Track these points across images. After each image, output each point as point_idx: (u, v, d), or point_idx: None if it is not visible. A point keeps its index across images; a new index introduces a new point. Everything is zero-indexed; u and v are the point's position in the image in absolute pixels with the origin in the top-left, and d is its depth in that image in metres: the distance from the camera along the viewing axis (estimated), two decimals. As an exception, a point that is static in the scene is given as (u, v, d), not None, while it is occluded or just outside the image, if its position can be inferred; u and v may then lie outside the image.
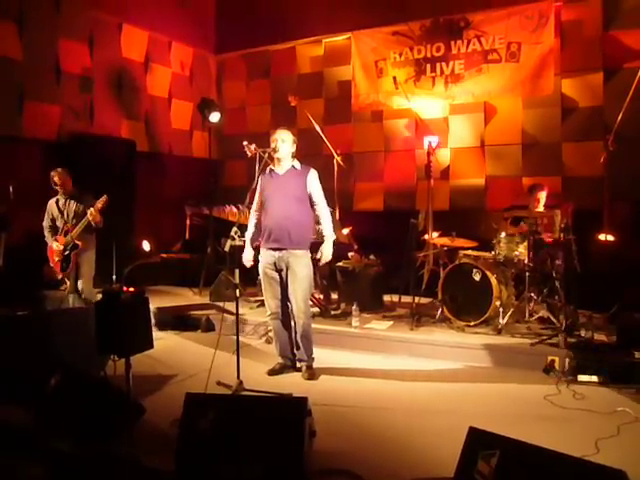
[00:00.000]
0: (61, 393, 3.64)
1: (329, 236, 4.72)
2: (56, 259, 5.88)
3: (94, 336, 3.52)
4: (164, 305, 6.92)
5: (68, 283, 5.92)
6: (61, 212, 5.89)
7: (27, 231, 7.02)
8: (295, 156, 4.74)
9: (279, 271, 4.66)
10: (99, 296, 6.12)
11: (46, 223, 5.96)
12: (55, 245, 5.87)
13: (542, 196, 6.06)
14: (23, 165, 7.12)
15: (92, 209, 5.59)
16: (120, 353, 3.52)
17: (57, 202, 5.94)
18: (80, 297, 5.89)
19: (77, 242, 5.77)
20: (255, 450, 2.91)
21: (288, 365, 4.85)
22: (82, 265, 5.87)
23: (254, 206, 4.89)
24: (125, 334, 3.36)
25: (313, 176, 4.71)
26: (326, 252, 4.71)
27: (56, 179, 5.86)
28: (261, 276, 4.78)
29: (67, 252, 5.82)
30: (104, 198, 5.60)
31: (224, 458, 2.92)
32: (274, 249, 4.62)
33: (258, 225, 4.83)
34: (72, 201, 5.89)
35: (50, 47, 7.66)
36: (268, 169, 4.78)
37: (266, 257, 4.69)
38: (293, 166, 4.71)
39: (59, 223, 5.90)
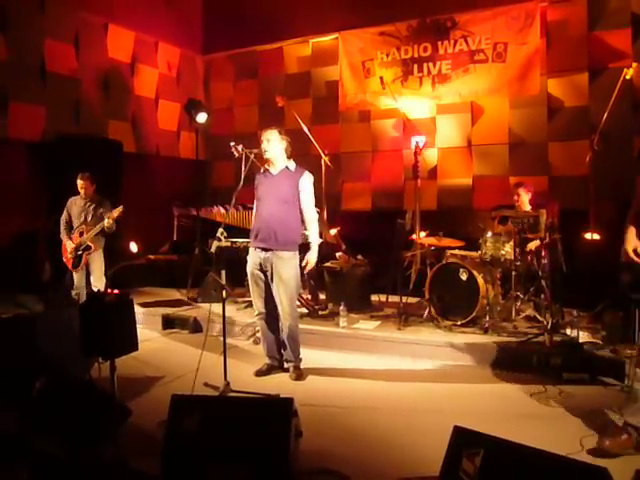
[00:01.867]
0: (46, 396, 3.61)
1: (314, 242, 4.70)
2: (69, 256, 6.16)
3: (79, 338, 3.50)
4: (151, 306, 6.90)
5: (76, 279, 6.21)
6: (79, 214, 6.19)
7: (12, 233, 6.98)
8: (291, 155, 4.71)
9: (265, 272, 4.65)
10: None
11: (63, 219, 6.27)
12: (68, 243, 6.16)
13: (521, 192, 6.09)
14: (8, 167, 7.07)
15: (109, 217, 5.91)
16: (105, 355, 3.50)
17: (77, 202, 6.25)
18: (67, 297, 6.13)
19: (90, 244, 6.08)
20: (241, 451, 2.91)
21: (275, 366, 4.84)
22: (92, 263, 6.17)
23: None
24: (109, 336, 3.34)
25: (306, 179, 4.67)
26: (310, 258, 4.68)
27: (79, 182, 6.18)
28: (248, 276, 4.77)
29: (80, 252, 6.11)
30: (121, 208, 5.91)
31: (210, 459, 2.91)
32: (261, 249, 4.61)
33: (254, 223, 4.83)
34: (92, 205, 6.20)
35: (35, 47, 7.60)
36: (263, 169, 4.78)
37: (253, 257, 4.69)
38: (287, 167, 4.68)
39: (75, 223, 6.20)
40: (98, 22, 8.45)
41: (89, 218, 6.16)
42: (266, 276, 4.65)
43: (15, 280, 6.42)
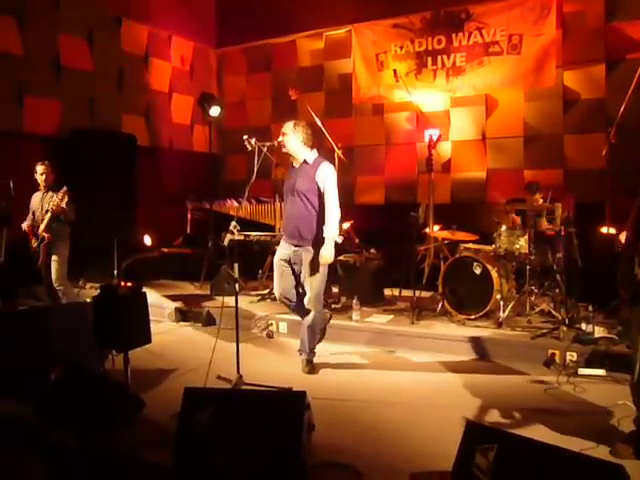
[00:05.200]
0: (61, 388, 3.64)
1: (329, 237, 4.45)
2: (32, 250, 5.90)
3: (93, 331, 3.52)
4: (165, 299, 6.94)
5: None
6: (38, 206, 5.90)
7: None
8: (312, 146, 4.62)
9: (293, 265, 4.65)
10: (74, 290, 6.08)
11: (29, 215, 5.99)
12: (25, 225, 5.91)
13: (539, 198, 6.04)
14: (23, 160, 7.08)
15: (52, 203, 5.61)
16: (118, 348, 3.52)
17: (36, 195, 5.96)
18: (50, 291, 5.90)
19: (44, 235, 5.75)
20: (254, 444, 2.91)
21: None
22: (53, 259, 5.84)
23: None
24: (123, 329, 3.36)
25: (322, 171, 4.53)
26: (324, 253, 4.44)
27: (38, 169, 5.87)
28: (274, 265, 4.78)
29: (35, 245, 5.83)
30: (63, 189, 5.61)
31: (223, 452, 2.92)
32: (290, 243, 4.64)
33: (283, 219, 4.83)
34: (49, 193, 5.85)
35: (50, 42, 7.65)
36: (290, 163, 4.77)
37: (283, 249, 4.70)
38: (305, 160, 4.61)
39: (36, 215, 5.91)
40: (112, 16, 8.47)
41: (45, 208, 5.76)
42: (293, 269, 4.66)
43: (31, 273, 6.46)
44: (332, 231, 4.48)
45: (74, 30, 7.94)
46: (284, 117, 4.81)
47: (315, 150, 4.66)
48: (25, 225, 5.94)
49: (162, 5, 9.11)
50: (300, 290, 4.74)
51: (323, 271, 4.60)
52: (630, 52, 6.92)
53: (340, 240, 4.68)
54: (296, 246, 4.59)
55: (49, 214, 5.66)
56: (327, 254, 4.47)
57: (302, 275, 4.62)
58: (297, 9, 9.11)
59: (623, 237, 3.34)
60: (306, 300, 4.64)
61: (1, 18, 7.09)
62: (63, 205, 5.64)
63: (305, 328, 4.71)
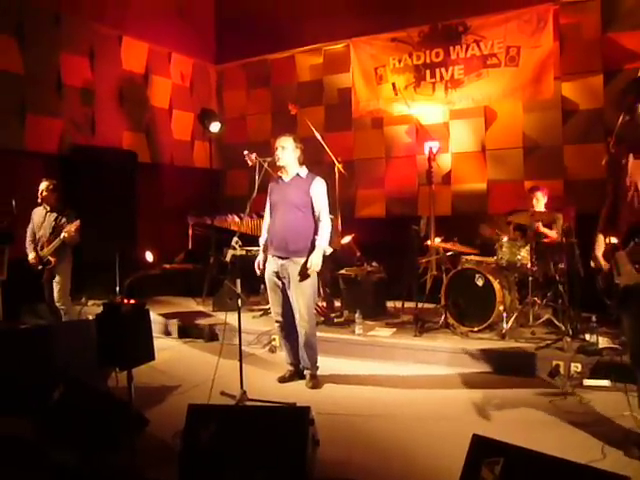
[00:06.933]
0: (64, 405, 3.63)
1: (320, 246, 4.59)
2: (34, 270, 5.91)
3: (96, 348, 3.52)
4: (167, 315, 6.93)
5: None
6: (39, 225, 5.92)
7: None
8: (303, 162, 4.72)
9: (282, 279, 4.65)
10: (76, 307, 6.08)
11: (29, 231, 5.99)
12: (31, 257, 5.89)
13: (539, 196, 6.04)
14: (25, 179, 7.12)
15: (65, 231, 5.64)
16: (121, 365, 3.51)
17: (38, 212, 5.99)
18: (52, 309, 5.93)
19: (50, 259, 5.79)
20: (258, 460, 2.90)
21: (298, 372, 4.84)
22: (56, 276, 5.87)
23: (265, 213, 4.92)
24: (126, 346, 3.34)
25: (317, 185, 4.66)
26: (314, 260, 4.54)
27: (40, 188, 5.89)
28: (266, 283, 4.78)
29: (40, 267, 5.85)
30: (77, 223, 5.66)
31: (227, 468, 2.91)
32: (277, 256, 4.64)
33: (269, 231, 4.81)
34: (53, 214, 5.90)
35: (51, 60, 7.69)
36: (277, 176, 4.80)
37: (271, 264, 4.71)
38: (298, 174, 4.69)
39: (38, 234, 5.93)
40: (112, 34, 8.54)
41: (48, 230, 5.83)
42: (283, 283, 4.66)
43: (33, 290, 6.46)
44: (324, 241, 4.61)
45: (75, 48, 7.98)
46: (284, 132, 4.84)
47: (304, 166, 4.74)
48: (29, 248, 5.92)
49: (162, 23, 9.17)
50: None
51: (312, 284, 4.61)
52: (627, 62, 6.96)
53: (329, 252, 4.72)
54: (282, 258, 4.60)
55: (59, 241, 5.70)
56: (316, 260, 4.55)
57: (291, 289, 4.60)
58: (295, 24, 9.18)
59: (599, 252, 3.40)
60: (298, 318, 4.62)
61: (1, 37, 7.13)
62: (76, 236, 5.70)
63: (303, 348, 4.71)
